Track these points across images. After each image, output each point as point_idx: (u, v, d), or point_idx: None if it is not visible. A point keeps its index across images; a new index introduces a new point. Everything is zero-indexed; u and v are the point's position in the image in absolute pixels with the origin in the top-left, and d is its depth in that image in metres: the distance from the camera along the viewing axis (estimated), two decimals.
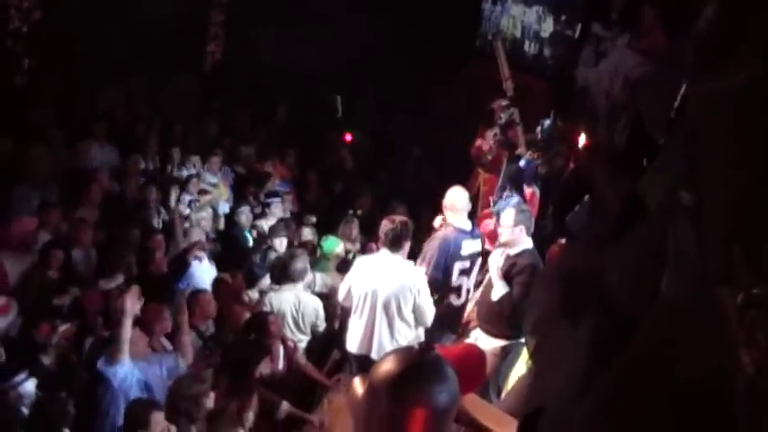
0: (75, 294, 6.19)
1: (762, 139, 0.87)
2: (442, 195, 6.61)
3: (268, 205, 9.17)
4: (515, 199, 7.05)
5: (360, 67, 11.73)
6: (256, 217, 8.97)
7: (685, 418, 0.90)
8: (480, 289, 6.61)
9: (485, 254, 6.48)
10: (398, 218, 6.09)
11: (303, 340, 6.67)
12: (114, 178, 8.68)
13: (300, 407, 5.84)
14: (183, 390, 4.97)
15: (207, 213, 8.54)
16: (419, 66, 11.42)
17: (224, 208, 9.30)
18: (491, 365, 6.06)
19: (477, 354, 4.14)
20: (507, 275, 6.00)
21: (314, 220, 9.21)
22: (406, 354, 2.45)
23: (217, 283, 7.01)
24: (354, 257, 7.93)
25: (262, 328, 6.09)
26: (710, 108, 0.90)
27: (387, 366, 2.38)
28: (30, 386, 4.86)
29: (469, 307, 6.67)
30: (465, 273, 6.39)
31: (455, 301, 6.39)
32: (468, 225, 6.43)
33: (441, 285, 6.26)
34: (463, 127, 8.92)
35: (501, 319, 5.96)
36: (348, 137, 12.09)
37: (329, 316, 6.91)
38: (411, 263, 6.00)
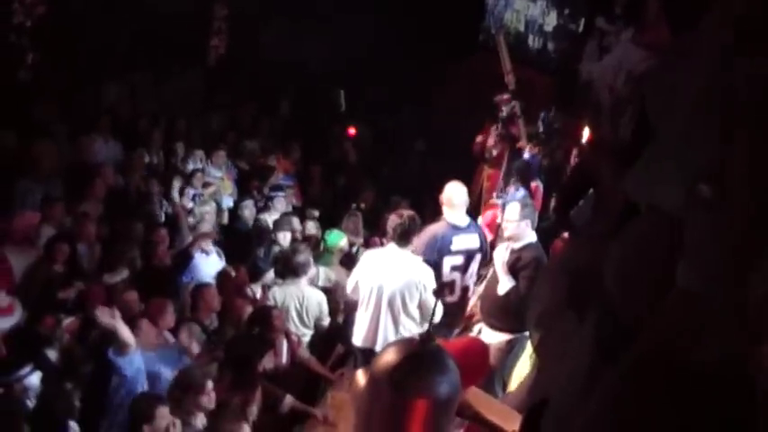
0: (79, 288, 6.20)
1: None
2: None
3: (271, 199, 9.18)
4: (522, 192, 7.05)
5: (363, 61, 11.72)
6: (260, 211, 8.97)
7: (695, 413, 0.90)
8: (483, 283, 6.61)
9: (482, 249, 6.43)
10: (406, 212, 6.07)
11: (307, 334, 6.68)
12: (119, 173, 8.68)
13: (304, 401, 5.85)
14: (184, 381, 4.99)
15: (211, 208, 8.55)
16: (423, 60, 11.42)
17: (228, 202, 9.31)
18: (496, 359, 6.07)
19: (479, 347, 4.14)
20: (513, 269, 5.99)
21: (317, 214, 9.22)
22: (406, 345, 2.46)
23: (220, 276, 7.03)
24: (358, 251, 7.94)
25: (265, 322, 6.10)
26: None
27: (387, 357, 2.39)
28: (34, 379, 4.88)
29: (473, 301, 6.67)
30: (458, 269, 6.29)
31: (448, 297, 6.28)
32: (462, 221, 6.36)
33: None
34: (466, 121, 8.93)
35: (507, 313, 5.96)
36: (352, 131, 12.09)
37: (332, 310, 6.92)
38: (419, 258, 6.00)
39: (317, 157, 11.16)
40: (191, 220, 8.27)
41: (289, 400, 5.67)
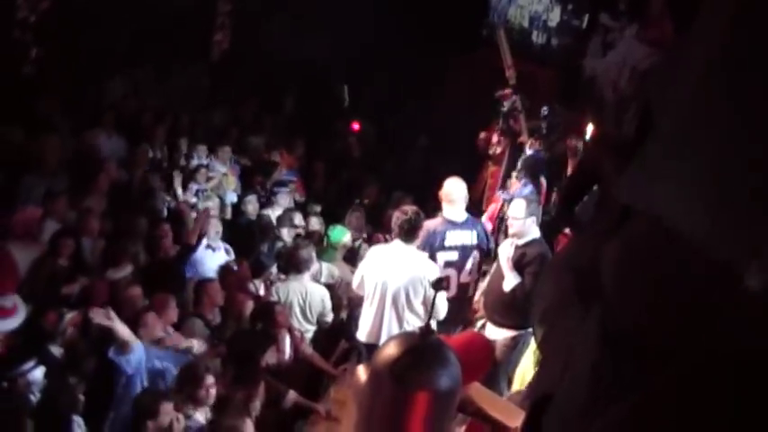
0: (83, 283, 6.21)
1: None
2: None
3: (275, 194, 9.18)
4: (529, 188, 7.04)
5: (367, 56, 11.72)
6: (263, 206, 8.98)
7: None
8: (487, 279, 6.62)
9: (481, 246, 6.41)
10: (410, 208, 6.07)
11: (310, 330, 6.68)
12: (122, 168, 8.69)
13: (307, 396, 5.86)
14: (183, 374, 5.02)
15: (214, 203, 8.56)
16: (426, 56, 11.41)
17: (231, 197, 9.32)
18: (501, 356, 6.09)
19: (481, 342, 4.15)
20: (518, 265, 6.00)
21: (318, 209, 9.22)
22: (407, 338, 2.47)
23: (222, 270, 7.04)
24: (360, 247, 7.94)
25: (268, 317, 6.11)
26: None
27: (388, 351, 2.40)
28: (38, 374, 4.88)
29: (476, 296, 6.68)
30: (452, 265, 6.26)
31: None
32: (459, 216, 6.34)
33: None
34: (470, 117, 8.93)
35: (512, 309, 5.96)
36: (355, 126, 12.09)
37: (335, 306, 6.92)
38: (424, 255, 6.00)
39: (320, 153, 11.16)
40: (194, 215, 8.28)
41: (292, 395, 5.68)
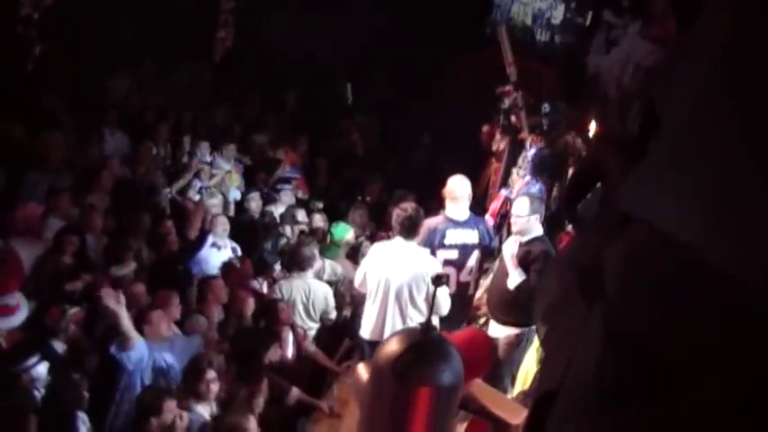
0: (87, 281, 6.22)
1: None
2: None
3: (278, 192, 9.19)
4: (537, 186, 7.03)
5: (370, 54, 11.71)
6: (267, 203, 8.98)
7: None
8: (490, 276, 6.61)
9: (482, 245, 6.40)
10: (410, 205, 6.08)
11: (313, 328, 6.70)
12: (126, 165, 8.70)
13: (310, 393, 5.87)
14: (188, 367, 5.03)
15: (218, 200, 8.57)
16: (430, 53, 11.40)
17: (235, 195, 9.32)
18: (505, 353, 6.08)
19: (482, 338, 4.15)
20: (523, 263, 5.99)
21: (320, 206, 9.22)
22: (408, 334, 2.48)
23: (225, 267, 7.05)
24: (361, 244, 7.95)
25: (271, 314, 6.13)
26: None
27: (390, 348, 2.40)
28: (42, 369, 4.89)
29: (479, 294, 6.67)
30: (452, 263, 6.25)
31: None
32: (462, 215, 6.34)
33: None
34: (473, 115, 8.92)
35: (515, 306, 5.95)
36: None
37: (339, 304, 6.93)
38: (426, 251, 6.00)
39: (323, 150, 11.16)
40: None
41: (295, 392, 5.70)
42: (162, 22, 11.03)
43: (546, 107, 7.62)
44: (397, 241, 5.92)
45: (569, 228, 5.97)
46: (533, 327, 5.72)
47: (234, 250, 7.59)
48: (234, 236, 7.88)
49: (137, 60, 11.23)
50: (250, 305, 6.41)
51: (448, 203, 6.40)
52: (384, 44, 11.37)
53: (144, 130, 9.70)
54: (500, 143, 8.07)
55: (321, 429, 5.55)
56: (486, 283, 6.67)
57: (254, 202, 8.81)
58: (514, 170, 7.68)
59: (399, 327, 5.69)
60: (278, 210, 8.74)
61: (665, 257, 0.90)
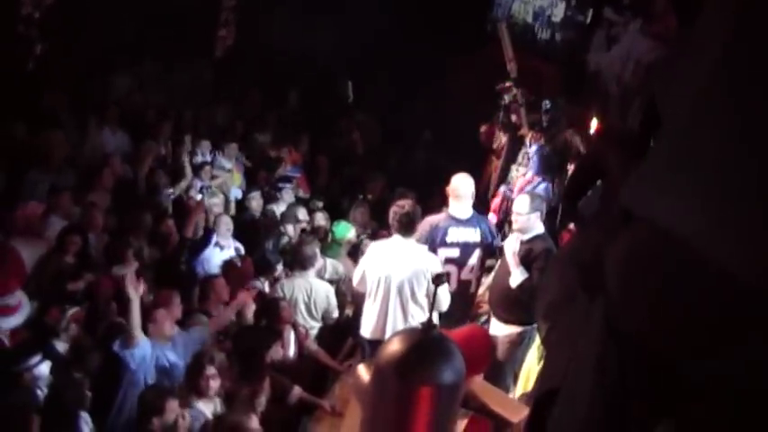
0: (89, 280, 6.22)
1: None
2: None
3: (279, 190, 9.18)
4: (544, 185, 7.03)
5: (371, 53, 11.71)
6: (268, 202, 8.98)
7: None
8: (491, 274, 6.61)
9: (484, 244, 6.40)
10: (406, 202, 6.07)
11: (315, 327, 6.69)
12: (127, 163, 8.69)
13: (312, 392, 5.87)
14: (190, 364, 5.03)
15: (219, 199, 8.56)
16: (431, 51, 11.39)
17: (236, 193, 9.31)
18: (508, 352, 6.08)
19: (482, 335, 4.16)
20: (525, 261, 5.99)
21: (321, 204, 9.21)
22: (409, 334, 2.48)
23: (225, 266, 7.04)
24: (362, 243, 7.94)
25: (273, 313, 6.12)
26: None
27: (392, 347, 2.40)
28: (44, 368, 4.90)
29: (480, 291, 6.67)
30: (453, 261, 6.24)
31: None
32: (464, 213, 6.33)
33: None
34: (474, 113, 8.92)
35: (517, 305, 5.94)
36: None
37: (340, 303, 6.92)
38: (424, 247, 6.00)
39: (324, 149, 11.15)
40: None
41: (297, 391, 5.69)
42: (163, 21, 11.03)
43: (546, 104, 7.62)
44: (396, 239, 5.91)
45: (571, 226, 5.97)
46: (535, 325, 5.72)
47: (237, 250, 7.59)
48: (235, 235, 7.88)
49: (138, 59, 11.23)
50: (251, 305, 6.41)
51: (451, 201, 6.39)
52: (385, 43, 11.37)
53: (145, 128, 9.70)
54: (502, 138, 8.06)
55: (323, 428, 5.55)
56: (487, 280, 6.67)
57: (256, 201, 8.80)
58: (514, 167, 7.68)
59: (401, 324, 5.69)
60: (279, 208, 8.73)
61: (666, 256, 0.90)
